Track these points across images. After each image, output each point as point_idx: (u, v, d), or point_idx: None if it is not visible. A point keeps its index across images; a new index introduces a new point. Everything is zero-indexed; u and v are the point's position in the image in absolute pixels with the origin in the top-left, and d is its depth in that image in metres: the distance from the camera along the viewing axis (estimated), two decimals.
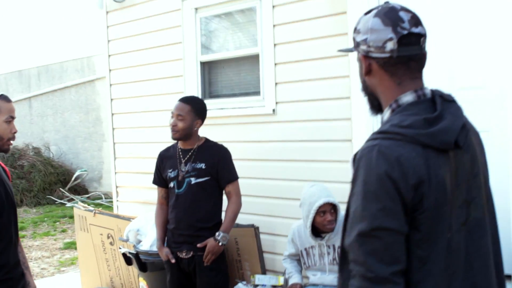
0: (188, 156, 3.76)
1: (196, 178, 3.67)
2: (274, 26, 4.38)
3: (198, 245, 3.63)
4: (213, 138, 4.76)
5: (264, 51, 4.48)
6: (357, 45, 1.72)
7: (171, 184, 3.77)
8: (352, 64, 3.89)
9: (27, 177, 12.62)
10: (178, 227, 3.71)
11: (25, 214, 11.36)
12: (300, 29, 4.24)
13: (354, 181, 1.61)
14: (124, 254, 4.29)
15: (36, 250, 8.37)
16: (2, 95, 2.69)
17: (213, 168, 3.70)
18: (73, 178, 12.62)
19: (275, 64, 4.39)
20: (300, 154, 4.29)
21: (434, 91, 1.68)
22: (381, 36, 1.63)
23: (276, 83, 4.40)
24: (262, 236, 4.41)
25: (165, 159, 3.87)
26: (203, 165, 3.69)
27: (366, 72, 1.73)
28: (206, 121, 4.85)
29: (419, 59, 1.67)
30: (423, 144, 1.55)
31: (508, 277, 3.31)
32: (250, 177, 4.56)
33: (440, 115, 1.59)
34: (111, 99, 5.68)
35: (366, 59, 1.70)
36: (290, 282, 3.68)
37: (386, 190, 1.52)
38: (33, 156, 13.20)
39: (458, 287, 1.59)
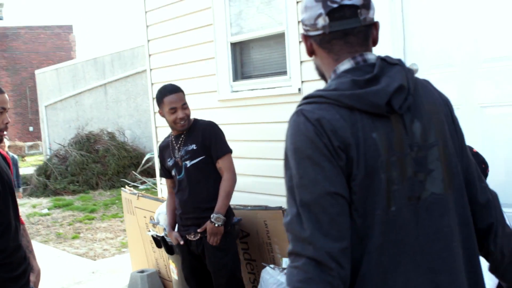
0: (179, 141, 3.74)
1: (191, 160, 3.65)
2: (297, 2, 4.25)
3: (198, 230, 3.62)
4: (244, 119, 4.73)
5: (289, 28, 4.36)
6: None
7: (173, 173, 3.79)
8: None
9: (102, 161, 13.15)
10: (184, 211, 3.71)
11: (99, 197, 11.87)
12: None
13: (285, 157, 1.47)
14: (153, 237, 4.36)
15: (102, 231, 8.72)
16: None
17: (205, 146, 3.65)
18: (143, 162, 13.00)
19: (300, 42, 4.26)
20: None
21: (380, 56, 1.53)
22: (313, 13, 1.53)
23: (301, 62, 4.27)
24: None
25: (163, 150, 3.90)
26: (194, 146, 3.65)
27: (309, 52, 1.64)
28: (237, 103, 4.85)
29: (359, 32, 1.53)
30: (348, 106, 1.43)
31: None
32: (278, 159, 4.46)
33: (374, 77, 1.46)
34: (152, 84, 5.75)
35: (307, 39, 1.61)
36: None
37: (321, 152, 1.40)
38: (108, 140, 13.72)
39: (410, 270, 1.44)
